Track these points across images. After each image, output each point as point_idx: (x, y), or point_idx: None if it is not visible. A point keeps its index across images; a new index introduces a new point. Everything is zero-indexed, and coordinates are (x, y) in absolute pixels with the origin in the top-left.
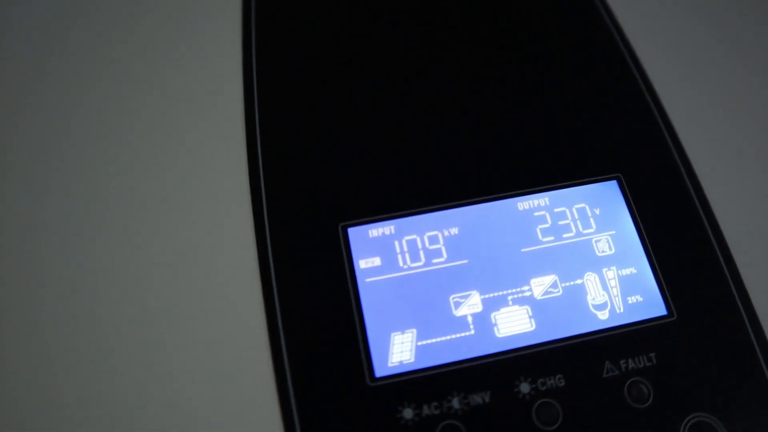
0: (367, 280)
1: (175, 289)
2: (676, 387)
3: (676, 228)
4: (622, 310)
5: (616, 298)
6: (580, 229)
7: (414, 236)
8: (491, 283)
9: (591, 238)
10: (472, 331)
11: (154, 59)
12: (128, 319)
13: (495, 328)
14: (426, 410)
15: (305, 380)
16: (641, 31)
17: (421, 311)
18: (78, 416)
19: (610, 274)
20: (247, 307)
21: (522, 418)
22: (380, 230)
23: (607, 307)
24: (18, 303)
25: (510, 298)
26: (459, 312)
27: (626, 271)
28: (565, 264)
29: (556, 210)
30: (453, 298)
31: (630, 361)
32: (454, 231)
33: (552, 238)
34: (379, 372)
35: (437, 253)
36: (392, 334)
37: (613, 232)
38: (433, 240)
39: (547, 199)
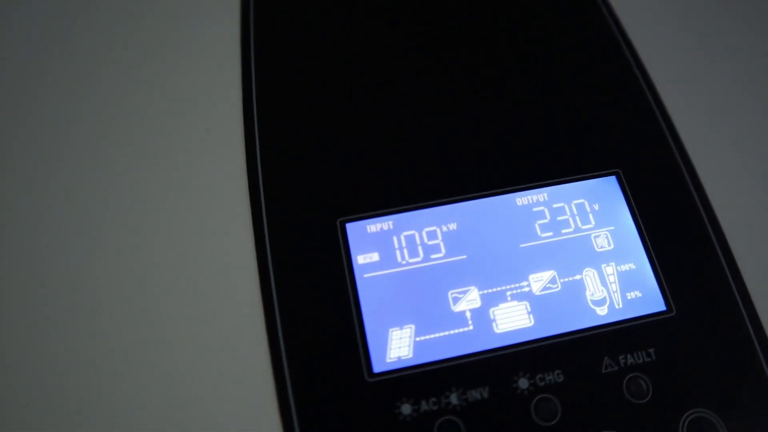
0: (365, 275)
1: (173, 285)
2: (675, 383)
3: (675, 223)
4: (620, 306)
5: (615, 294)
6: (579, 224)
7: (412, 232)
8: (490, 278)
9: (590, 234)
10: (471, 327)
11: (153, 57)
12: (125, 312)
13: (493, 324)
14: (424, 406)
15: (303, 375)
16: (640, 27)
17: (419, 307)
18: (77, 417)
19: (609, 269)
20: (245, 303)
21: (520, 414)
22: (378, 225)
23: (605, 302)
24: (18, 303)
25: (509, 293)
26: (457, 307)
27: (625, 267)
28: (563, 259)
29: (554, 205)
30: (451, 294)
31: (629, 356)
32: (453, 226)
33: (551, 233)
34: (378, 368)
35: (436, 249)
36: (390, 330)
37: (612, 227)
38: (432, 235)
39: (545, 194)
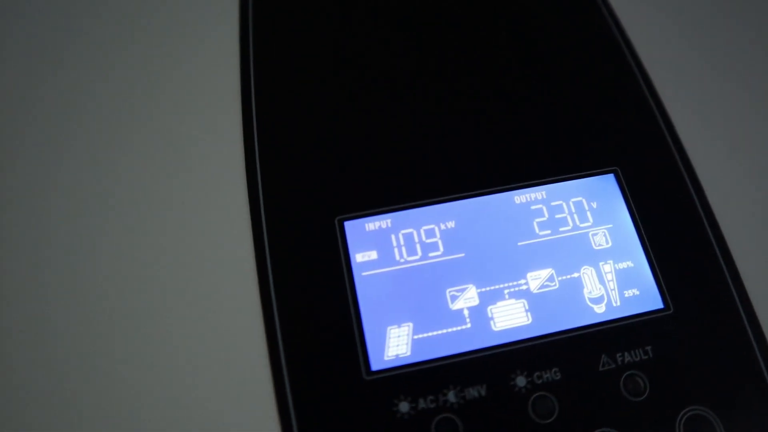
0: (364, 273)
1: (172, 283)
2: (672, 380)
3: (672, 221)
4: (618, 304)
5: (613, 292)
6: (577, 222)
7: (410, 230)
8: (488, 276)
9: (588, 232)
10: (469, 325)
11: (152, 58)
12: (124, 312)
13: (491, 322)
14: (422, 404)
15: (302, 373)
16: (639, 25)
17: (417, 305)
18: (76, 417)
19: (607, 267)
20: (243, 301)
21: (518, 412)
22: (377, 224)
23: (603, 300)
24: (17, 303)
25: (506, 291)
26: (455, 305)
27: (623, 265)
28: (561, 257)
29: (553, 203)
30: (449, 292)
31: (626, 354)
32: (451, 224)
33: (549, 231)
34: (375, 366)
35: (434, 247)
36: (388, 328)
37: (610, 225)
38: (430, 233)
39: (544, 192)
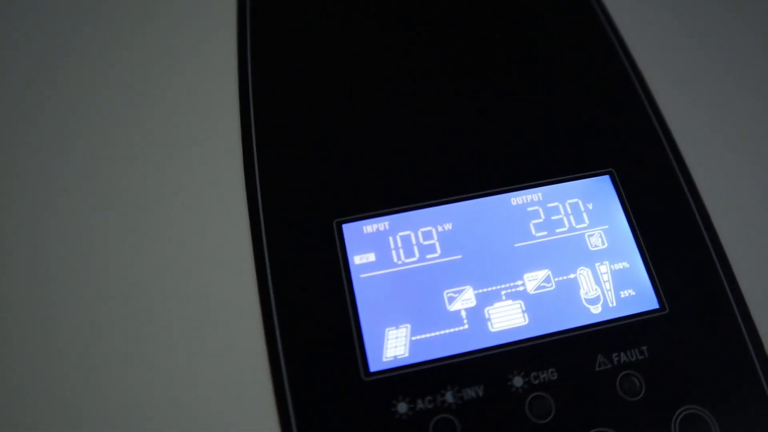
0: (362, 275)
1: (171, 285)
2: (668, 380)
3: (668, 222)
4: (614, 304)
5: (609, 292)
6: (573, 223)
7: (408, 232)
8: (485, 278)
9: (584, 233)
10: (466, 326)
11: (150, 57)
12: (123, 313)
13: (488, 323)
14: (420, 404)
15: (301, 375)
16: (634, 26)
17: (415, 306)
18: (75, 417)
19: (603, 268)
20: (243, 303)
21: (515, 412)
22: (374, 226)
23: (599, 301)
24: (17, 304)
25: (503, 292)
26: (453, 307)
27: (619, 266)
28: (558, 259)
29: (549, 205)
30: (447, 293)
31: (622, 354)
32: (448, 226)
33: (545, 232)
34: (374, 367)
35: (431, 249)
36: (386, 329)
37: (606, 226)
38: (427, 235)
39: (540, 194)
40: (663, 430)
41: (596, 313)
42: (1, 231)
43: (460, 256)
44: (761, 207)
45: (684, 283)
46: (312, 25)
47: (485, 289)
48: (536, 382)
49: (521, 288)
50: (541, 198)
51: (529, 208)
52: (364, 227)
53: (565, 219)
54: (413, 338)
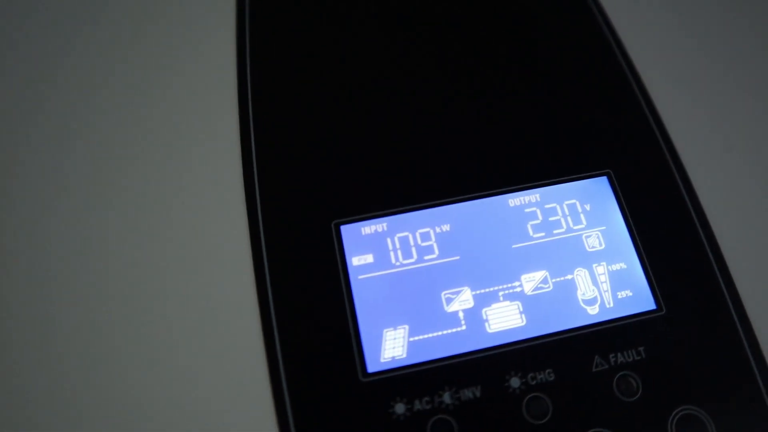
0: (360, 277)
1: (170, 286)
2: (665, 380)
3: (665, 223)
4: (611, 305)
5: (606, 293)
6: (571, 224)
7: (406, 233)
8: (482, 279)
9: (581, 234)
10: (464, 327)
11: (148, 58)
12: (122, 317)
13: (486, 324)
14: (417, 405)
15: (299, 376)
16: (631, 27)
17: (413, 307)
18: (74, 418)
19: (600, 269)
20: (241, 304)
21: (512, 413)
22: (373, 227)
23: (596, 302)
24: (16, 304)
25: (501, 293)
26: (450, 308)
27: (616, 266)
28: (555, 260)
29: (546, 206)
30: (444, 294)
31: (619, 355)
32: (446, 228)
33: (543, 234)
34: (372, 367)
35: (429, 250)
36: (384, 330)
37: (603, 227)
38: (425, 237)
39: (537, 195)
40: (660, 431)
41: (593, 313)
42: (0, 231)
43: (457, 258)
44: (758, 207)
45: (681, 284)
46: (310, 26)
47: (483, 290)
48: (533, 382)
49: (519, 289)
50: (538, 199)
51: (527, 209)
52: (362, 228)
53: (562, 220)
54: (411, 339)
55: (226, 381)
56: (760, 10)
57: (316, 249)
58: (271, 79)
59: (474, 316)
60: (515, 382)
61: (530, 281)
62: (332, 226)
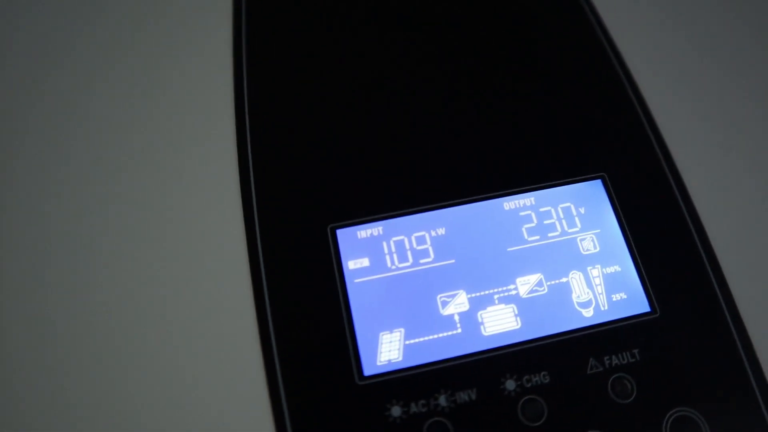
0: (356, 280)
1: (167, 290)
2: (659, 382)
3: (659, 226)
4: (606, 308)
5: (601, 296)
6: (566, 228)
7: (402, 237)
8: (478, 282)
9: (576, 237)
10: (459, 330)
11: (144, 62)
12: (120, 319)
13: (481, 327)
14: (414, 408)
15: (296, 379)
16: (625, 31)
17: (408, 311)
18: (74, 417)
19: (595, 272)
20: (238, 308)
21: (507, 415)
22: (368, 231)
23: (591, 304)
24: (16, 304)
25: (496, 296)
26: (446, 311)
27: (610, 269)
28: (550, 263)
29: (541, 209)
30: (440, 298)
31: (614, 357)
32: (441, 231)
33: (537, 237)
34: (368, 371)
35: (424, 254)
36: (380, 334)
37: (598, 230)
38: (421, 240)
39: (532, 198)
40: None
41: (588, 316)
42: (3, 232)
43: (453, 261)
44: (752, 210)
45: (675, 287)
46: (306, 28)
47: (478, 293)
48: (528, 385)
49: (514, 292)
50: (533, 202)
51: (522, 213)
52: (358, 232)
53: (557, 223)
54: (407, 342)
55: (223, 385)
56: (755, 14)
57: (312, 253)
58: (267, 85)
59: (469, 319)
60: (510, 384)
61: (525, 284)
62: (328, 230)
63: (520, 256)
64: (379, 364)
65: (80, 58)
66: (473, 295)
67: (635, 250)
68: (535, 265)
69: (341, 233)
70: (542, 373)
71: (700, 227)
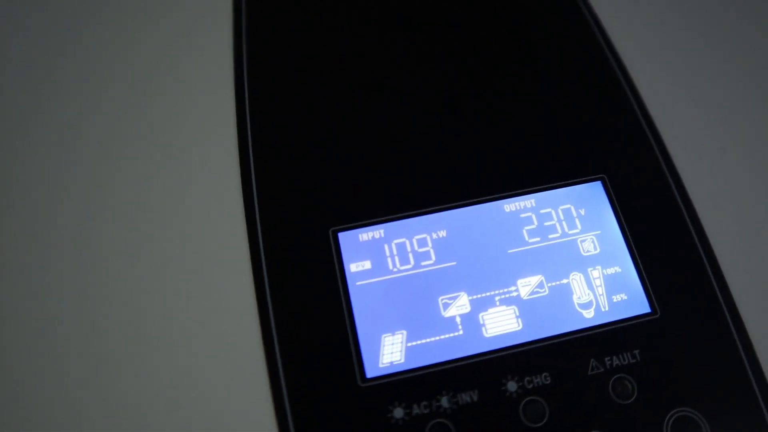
0: (358, 283)
1: (170, 294)
2: (660, 383)
3: (659, 227)
4: (606, 309)
5: (601, 297)
6: (566, 229)
7: (403, 239)
8: (479, 284)
9: (576, 239)
10: (461, 332)
11: (145, 63)
12: (125, 322)
13: (483, 328)
14: (416, 409)
15: (298, 381)
16: (624, 32)
17: (410, 313)
18: (73, 417)
19: (595, 273)
20: (241, 311)
21: (509, 416)
22: (370, 234)
23: (592, 305)
24: (17, 303)
25: (497, 298)
26: (448, 313)
27: (611, 270)
28: (551, 264)
29: (542, 211)
30: (442, 300)
31: (614, 358)
32: (442, 234)
33: (538, 239)
34: (370, 373)
35: (426, 256)
36: (383, 336)
37: (598, 232)
38: (422, 243)
39: (533, 200)
40: None
41: (589, 317)
42: (0, 231)
43: (454, 263)
44: (751, 211)
45: (675, 287)
46: (307, 33)
47: (479, 295)
48: (530, 386)
49: (515, 293)
50: (533, 204)
51: (522, 215)
52: (360, 235)
53: (557, 225)
54: (409, 344)
55: (227, 387)
56: (754, 14)
57: (314, 256)
58: (268, 87)
59: (471, 320)
60: (512, 385)
61: (526, 286)
62: (330, 233)
63: (520, 258)
64: (381, 366)
65: (80, 58)
66: (474, 296)
67: (635, 251)
68: (536, 266)
69: (343, 236)
70: (543, 374)
71: (700, 228)
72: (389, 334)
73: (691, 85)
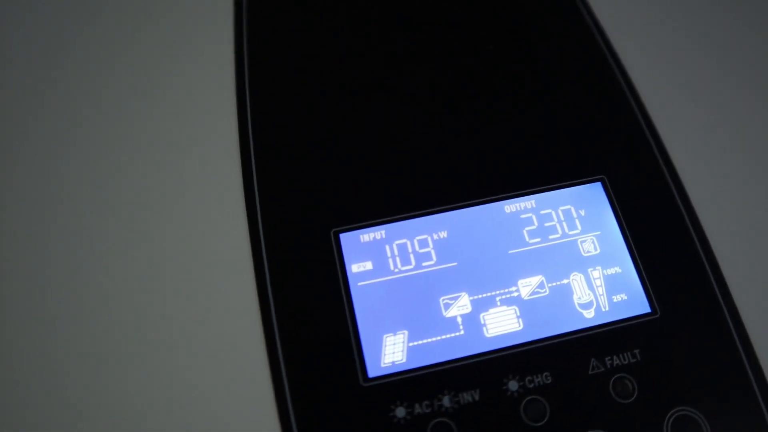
0: (360, 283)
1: (172, 294)
2: (660, 382)
3: (659, 228)
4: (607, 309)
5: (602, 297)
6: (566, 230)
7: (404, 240)
8: (480, 284)
9: (576, 239)
10: (462, 332)
11: (145, 62)
12: (126, 323)
13: (484, 328)
14: (418, 409)
15: (301, 381)
16: (624, 33)
17: (412, 313)
18: (73, 417)
19: (596, 273)
20: (243, 312)
21: (510, 415)
22: (371, 235)
23: (592, 305)
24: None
25: (498, 298)
26: (449, 313)
27: (611, 271)
28: (551, 265)
29: (542, 212)
30: (443, 300)
31: (615, 358)
32: (443, 234)
33: (539, 239)
34: (372, 372)
35: (427, 257)
36: (384, 336)
37: (598, 232)
38: (423, 243)
39: (533, 201)
40: None
41: (589, 317)
42: (0, 231)
43: (455, 264)
44: (751, 211)
45: (675, 287)
46: (307, 34)
47: (480, 296)
48: (531, 386)
49: (516, 294)
50: (534, 205)
51: (523, 216)
52: (361, 236)
53: (558, 225)
54: (410, 344)
55: (229, 387)
56: (754, 14)
57: (315, 257)
58: (269, 88)
59: (472, 320)
60: (513, 385)
61: (527, 286)
62: (331, 234)
63: (521, 259)
64: (383, 365)
65: (81, 58)
66: (475, 297)
67: (635, 252)
68: (537, 267)
69: (344, 237)
70: (544, 374)
71: (699, 228)
72: (391, 334)
73: (691, 86)
